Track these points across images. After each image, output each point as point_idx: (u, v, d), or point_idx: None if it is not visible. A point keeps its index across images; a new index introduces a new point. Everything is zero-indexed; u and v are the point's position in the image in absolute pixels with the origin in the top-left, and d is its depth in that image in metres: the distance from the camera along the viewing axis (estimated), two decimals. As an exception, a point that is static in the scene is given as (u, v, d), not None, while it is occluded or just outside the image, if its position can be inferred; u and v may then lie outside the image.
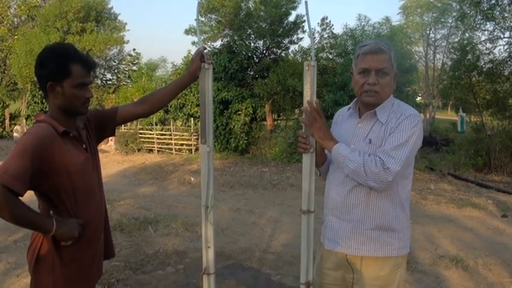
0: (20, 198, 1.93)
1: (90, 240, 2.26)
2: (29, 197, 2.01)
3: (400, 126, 2.23)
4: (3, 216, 1.89)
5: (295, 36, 19.71)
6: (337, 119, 2.66)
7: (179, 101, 19.73)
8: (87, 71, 2.19)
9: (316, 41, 17.90)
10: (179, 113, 20.23)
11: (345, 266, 2.42)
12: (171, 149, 19.73)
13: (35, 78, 2.20)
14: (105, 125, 2.51)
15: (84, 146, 2.26)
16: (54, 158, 2.03)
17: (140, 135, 20.49)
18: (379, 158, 2.18)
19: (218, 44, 20.12)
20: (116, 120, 2.52)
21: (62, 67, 2.10)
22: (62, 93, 2.13)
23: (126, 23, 28.64)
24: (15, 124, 26.51)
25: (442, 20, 28.34)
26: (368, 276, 2.36)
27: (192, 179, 12.43)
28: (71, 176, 2.11)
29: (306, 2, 2.46)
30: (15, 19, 27.82)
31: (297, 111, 18.85)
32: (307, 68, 2.36)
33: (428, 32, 30.62)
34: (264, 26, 18.69)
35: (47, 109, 2.25)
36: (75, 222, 2.13)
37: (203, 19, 19.34)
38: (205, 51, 2.55)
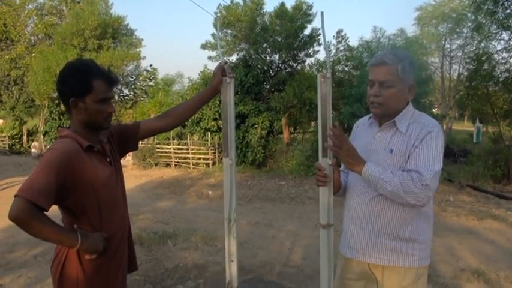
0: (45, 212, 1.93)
1: (114, 253, 2.26)
2: (53, 212, 2.02)
3: (427, 139, 2.21)
4: (28, 231, 1.90)
5: (311, 49, 19.77)
6: (357, 126, 2.67)
7: (196, 115, 19.70)
8: (108, 85, 2.20)
9: (331, 54, 17.90)
10: (196, 127, 20.25)
11: (367, 276, 2.41)
12: (189, 163, 19.78)
13: (53, 95, 2.21)
14: (128, 139, 2.52)
15: (108, 159, 2.27)
16: (79, 173, 2.04)
17: (157, 150, 20.59)
18: (416, 175, 2.14)
19: (234, 58, 20.30)
20: (138, 134, 2.53)
21: (84, 83, 2.12)
22: (84, 109, 2.14)
23: (142, 39, 29.00)
24: (32, 140, 26.82)
25: (457, 30, 28.17)
26: (390, 286, 2.34)
27: (210, 192, 12.44)
28: (96, 190, 2.12)
29: (321, 13, 2.44)
30: (33, 37, 28.33)
31: (313, 124, 18.83)
32: (322, 79, 2.36)
33: (443, 42, 30.38)
34: (279, 39, 18.75)
35: (64, 125, 2.26)
36: (100, 236, 2.14)
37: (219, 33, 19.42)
38: (226, 65, 2.56)
